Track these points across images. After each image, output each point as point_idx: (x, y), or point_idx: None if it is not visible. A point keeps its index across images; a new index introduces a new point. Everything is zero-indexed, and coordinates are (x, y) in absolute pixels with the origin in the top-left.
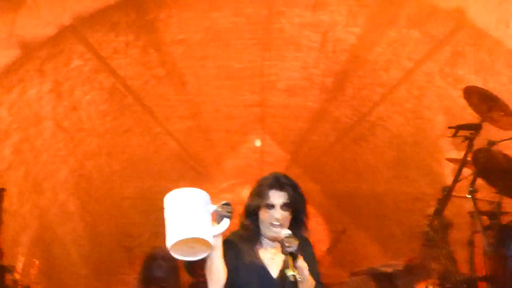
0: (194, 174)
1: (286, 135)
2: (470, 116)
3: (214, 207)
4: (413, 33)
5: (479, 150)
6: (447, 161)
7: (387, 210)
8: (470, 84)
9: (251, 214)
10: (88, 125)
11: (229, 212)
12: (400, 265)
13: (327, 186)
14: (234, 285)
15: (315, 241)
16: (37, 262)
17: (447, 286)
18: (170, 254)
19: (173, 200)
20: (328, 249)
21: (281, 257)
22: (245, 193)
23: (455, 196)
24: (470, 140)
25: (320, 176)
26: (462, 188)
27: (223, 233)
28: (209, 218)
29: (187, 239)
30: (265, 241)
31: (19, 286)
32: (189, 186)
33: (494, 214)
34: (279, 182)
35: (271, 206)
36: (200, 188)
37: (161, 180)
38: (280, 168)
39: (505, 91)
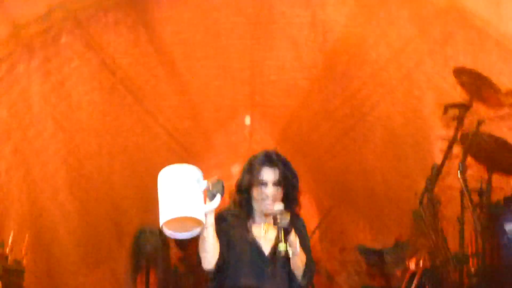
0: (182, 151)
1: (275, 112)
2: (459, 95)
3: (206, 184)
4: (402, 13)
5: (467, 134)
6: (437, 139)
7: (377, 187)
8: (459, 64)
9: (243, 191)
10: (76, 99)
11: (221, 189)
12: (389, 241)
13: (316, 163)
14: (226, 260)
15: (304, 218)
16: (26, 236)
17: (437, 262)
18: (159, 229)
19: (166, 177)
20: (317, 225)
21: (273, 233)
22: (234, 169)
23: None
24: (459, 118)
25: (310, 152)
26: (452, 166)
27: (215, 210)
28: (201, 195)
29: (179, 217)
30: (257, 217)
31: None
32: (178, 163)
33: (484, 191)
34: (271, 159)
35: (264, 183)
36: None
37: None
38: (269, 145)
39: (495, 70)
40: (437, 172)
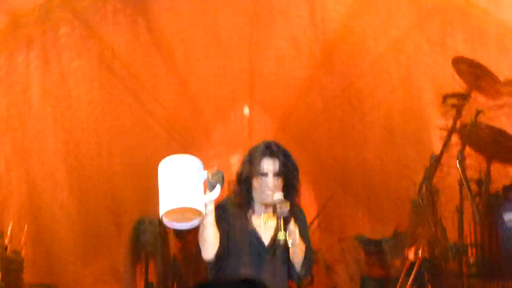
0: (181, 141)
1: (274, 103)
2: (458, 84)
3: (206, 175)
4: (401, 3)
5: (465, 124)
6: (435, 129)
7: (375, 177)
8: (458, 54)
9: (243, 182)
10: (75, 93)
11: (221, 179)
12: (388, 231)
13: (315, 153)
14: (226, 250)
15: (303, 207)
16: (26, 227)
17: (436, 252)
18: (158, 219)
19: (167, 167)
20: (316, 215)
21: (273, 223)
22: (233, 160)
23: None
24: (458, 108)
25: (308, 143)
26: (451, 156)
27: (215, 200)
28: (201, 186)
29: (179, 208)
30: (257, 208)
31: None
32: (177, 153)
33: (483, 181)
34: (271, 150)
35: (264, 174)
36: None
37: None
38: (268, 136)
39: (493, 60)
40: (435, 162)
